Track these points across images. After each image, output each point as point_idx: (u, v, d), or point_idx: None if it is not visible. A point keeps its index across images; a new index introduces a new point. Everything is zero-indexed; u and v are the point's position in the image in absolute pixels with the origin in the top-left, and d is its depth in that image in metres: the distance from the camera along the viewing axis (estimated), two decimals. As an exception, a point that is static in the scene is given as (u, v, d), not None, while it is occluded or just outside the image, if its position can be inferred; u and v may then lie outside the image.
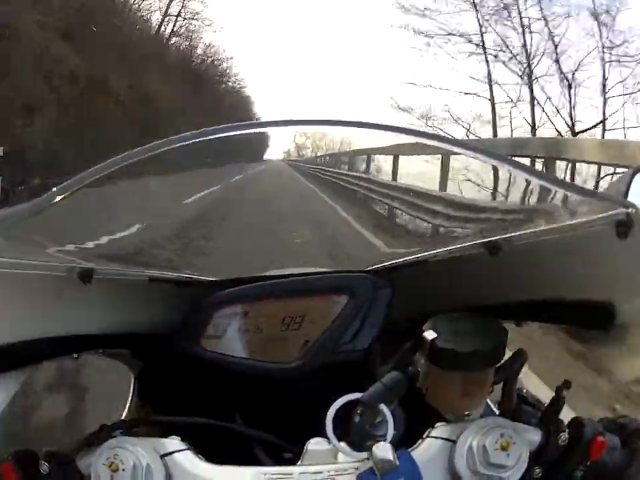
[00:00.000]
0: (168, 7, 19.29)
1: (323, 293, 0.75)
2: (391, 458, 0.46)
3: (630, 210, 0.44)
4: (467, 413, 0.53)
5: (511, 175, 0.48)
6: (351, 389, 0.52)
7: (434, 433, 0.50)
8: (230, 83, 24.49)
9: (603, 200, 0.46)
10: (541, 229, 0.53)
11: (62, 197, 0.46)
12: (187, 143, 0.49)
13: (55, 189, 0.46)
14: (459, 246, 0.64)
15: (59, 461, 0.49)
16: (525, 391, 0.62)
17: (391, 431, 0.49)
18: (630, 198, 0.46)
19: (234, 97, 24.35)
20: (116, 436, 0.51)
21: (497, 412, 0.60)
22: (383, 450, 0.46)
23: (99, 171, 0.46)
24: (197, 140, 0.50)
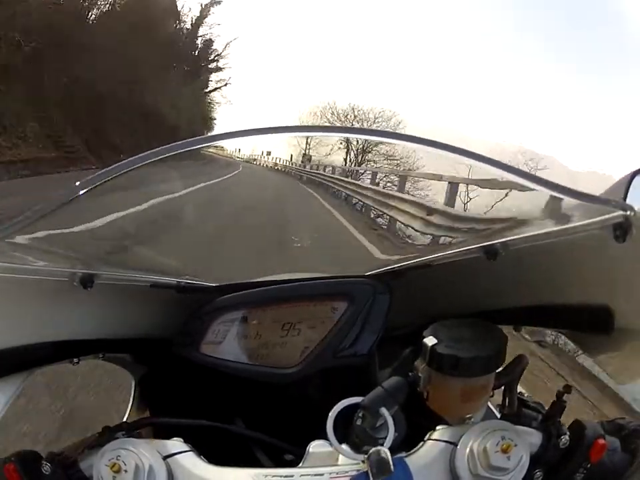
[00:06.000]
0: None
1: (322, 299, 0.75)
2: (386, 463, 0.46)
3: (628, 212, 0.44)
4: (468, 416, 0.53)
5: (508, 180, 0.47)
6: (351, 393, 0.52)
7: (435, 435, 0.50)
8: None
9: (601, 203, 0.45)
10: (539, 232, 0.52)
11: (64, 202, 0.46)
12: (192, 148, 0.49)
13: (57, 195, 0.46)
14: (457, 250, 0.64)
15: (61, 462, 0.49)
16: (525, 394, 0.62)
17: (391, 435, 0.49)
18: (629, 200, 0.45)
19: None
20: (118, 437, 0.51)
21: (498, 415, 0.60)
22: (379, 454, 0.46)
23: (101, 177, 0.46)
24: (200, 146, 0.50)
